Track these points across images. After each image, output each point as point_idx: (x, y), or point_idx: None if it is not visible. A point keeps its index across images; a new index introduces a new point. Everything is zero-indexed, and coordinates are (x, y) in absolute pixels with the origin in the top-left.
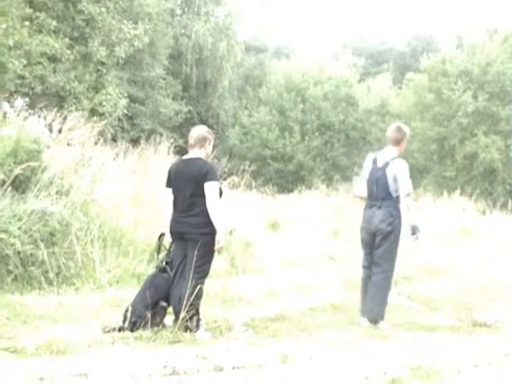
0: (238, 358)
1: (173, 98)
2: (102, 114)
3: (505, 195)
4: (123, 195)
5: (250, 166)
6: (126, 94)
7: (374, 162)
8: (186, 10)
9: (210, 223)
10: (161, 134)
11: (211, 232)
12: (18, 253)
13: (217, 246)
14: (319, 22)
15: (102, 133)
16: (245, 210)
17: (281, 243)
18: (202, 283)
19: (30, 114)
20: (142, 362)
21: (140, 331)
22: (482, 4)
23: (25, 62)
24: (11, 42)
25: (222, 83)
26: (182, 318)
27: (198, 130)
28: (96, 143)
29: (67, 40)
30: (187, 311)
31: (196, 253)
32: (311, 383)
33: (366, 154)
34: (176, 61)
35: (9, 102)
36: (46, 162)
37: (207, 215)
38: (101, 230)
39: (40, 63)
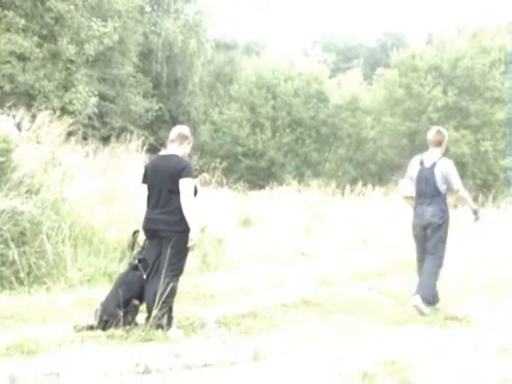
0: (210, 356)
1: (143, 96)
2: (71, 113)
3: (475, 189)
4: (94, 194)
5: (221, 163)
6: (96, 92)
7: (421, 163)
8: (155, 7)
9: (184, 220)
10: (131, 132)
11: (185, 229)
12: None
13: (190, 243)
14: (289, 18)
15: (72, 131)
16: (216, 207)
17: (253, 240)
18: (176, 281)
19: None
20: (115, 360)
21: (112, 330)
22: (451, 0)
23: None
24: None
25: (192, 80)
26: (155, 316)
27: (181, 128)
28: (66, 141)
29: (36, 38)
30: (160, 309)
31: (170, 250)
32: (284, 380)
33: (337, 150)
34: (146, 58)
35: None
36: (15, 160)
37: (182, 212)
38: (72, 228)
39: (8, 62)
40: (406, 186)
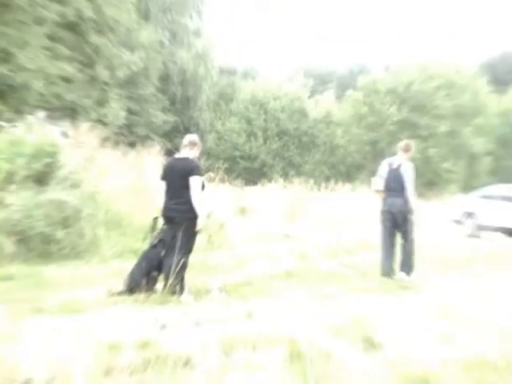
0: (213, 315)
1: (162, 111)
2: (106, 124)
3: (423, 186)
4: (123, 187)
5: (223, 164)
6: (125, 108)
7: (390, 165)
8: (172, 41)
9: (193, 210)
10: (152, 139)
11: (194, 217)
12: (40, 233)
13: (198, 228)
14: (277, 52)
15: (106, 138)
16: (219, 199)
17: (247, 224)
18: (187, 257)
19: (49, 124)
20: (138, 318)
21: (136, 295)
22: (405, 38)
23: (44, 82)
24: (34, 67)
25: (201, 99)
26: (170, 285)
27: (192, 136)
28: (101, 146)
29: (78, 65)
30: (174, 279)
31: (182, 233)
32: (271, 332)
33: (315, 154)
34: (164, 81)
35: (32, 114)
36: (61, 161)
37: (191, 203)
38: (105, 214)
39: (56, 84)
40: (377, 182)
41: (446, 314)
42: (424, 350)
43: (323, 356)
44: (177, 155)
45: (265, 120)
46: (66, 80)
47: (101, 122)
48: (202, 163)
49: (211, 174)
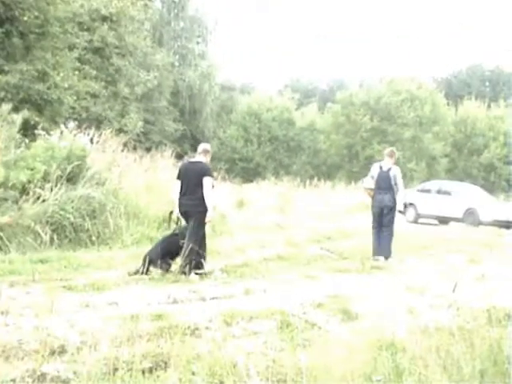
0: (216, 292)
1: (173, 121)
2: (126, 132)
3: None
4: (140, 185)
5: (224, 166)
6: (142, 118)
7: (380, 168)
8: (181, 62)
9: (204, 204)
10: (165, 145)
11: (204, 210)
12: (72, 224)
13: (207, 220)
14: (269, 70)
15: (126, 144)
16: (221, 195)
17: (245, 216)
18: (197, 244)
19: (78, 132)
20: (154, 294)
21: (153, 274)
22: (375, 56)
23: (75, 98)
24: (66, 85)
25: (205, 110)
26: (180, 265)
27: (205, 145)
28: (122, 151)
29: (103, 83)
30: (183, 261)
31: (193, 223)
32: (264, 306)
33: (301, 157)
34: (175, 96)
35: (64, 124)
36: (88, 163)
37: (203, 199)
38: (126, 208)
39: (85, 98)
40: (368, 181)
41: (413, 290)
42: (393, 320)
43: (308, 326)
44: (191, 159)
45: (259, 128)
46: (93, 95)
47: (121, 130)
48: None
49: (214, 174)
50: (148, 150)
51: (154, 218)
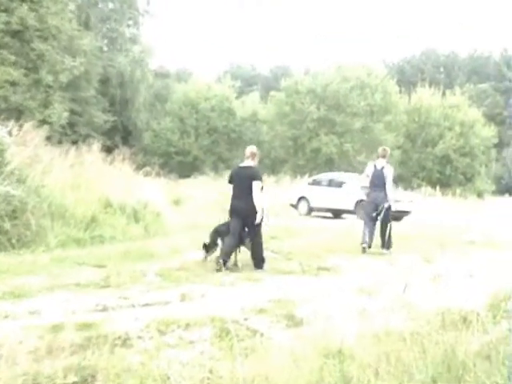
0: (150, 298)
1: (102, 111)
2: (49, 123)
3: None
4: (66, 182)
5: (158, 159)
6: (67, 109)
7: (375, 166)
8: (111, 47)
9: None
10: (93, 138)
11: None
12: None
13: (257, 221)
14: (207, 55)
15: (49, 137)
16: (155, 191)
17: (182, 214)
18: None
19: None
20: (81, 301)
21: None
22: (324, 42)
23: None
24: None
25: (138, 100)
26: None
27: (252, 148)
28: (45, 144)
29: (23, 70)
30: (255, 257)
31: (250, 225)
32: (202, 313)
33: (242, 150)
34: (104, 84)
35: None
36: (7, 158)
37: (252, 200)
38: (50, 207)
39: (3, 87)
40: (364, 180)
41: (361, 292)
42: (340, 325)
43: (250, 333)
44: (241, 164)
45: (196, 119)
46: (12, 83)
47: (45, 121)
48: (139, 159)
49: (148, 169)
50: (74, 143)
51: (81, 218)
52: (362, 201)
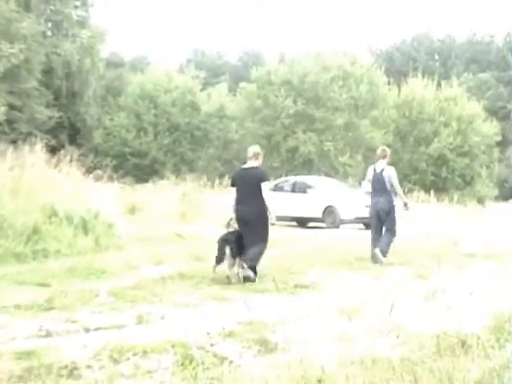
0: (101, 321)
1: (46, 106)
2: None
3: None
4: (4, 187)
5: (111, 161)
6: (4, 103)
7: (374, 170)
8: (55, 32)
9: (264, 209)
10: (36, 136)
11: (265, 214)
12: None
13: (272, 222)
14: (168, 41)
15: None
16: (107, 198)
17: (138, 224)
18: (265, 247)
19: None
20: (21, 325)
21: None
22: (300, 25)
23: None
24: None
25: (87, 93)
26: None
27: (255, 148)
28: None
29: None
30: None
31: (257, 228)
32: (162, 337)
33: (208, 150)
34: (48, 74)
35: None
36: None
37: (262, 203)
38: None
39: None
40: (366, 185)
41: (343, 313)
42: (321, 350)
43: (217, 360)
44: (244, 166)
45: (155, 115)
46: None
47: None
48: (89, 161)
49: (99, 172)
50: (13, 142)
51: (21, 229)
52: (330, 207)
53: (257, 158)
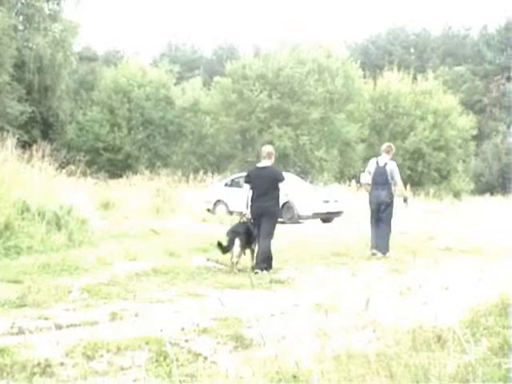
0: (74, 318)
1: (18, 101)
2: None
3: (296, 174)
4: None
5: (84, 157)
6: None
7: (377, 163)
8: (27, 25)
9: (276, 205)
10: (7, 131)
11: (276, 211)
12: None
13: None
14: (141, 35)
15: None
16: (81, 193)
17: (112, 220)
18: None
19: None
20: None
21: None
22: (275, 18)
23: None
24: None
25: (60, 87)
26: (256, 263)
27: (269, 148)
28: None
29: None
30: (261, 259)
31: (267, 223)
32: (136, 334)
33: (183, 144)
34: (20, 69)
35: None
36: None
37: (276, 200)
38: None
39: None
40: (365, 177)
41: (319, 308)
42: (296, 346)
43: (191, 357)
44: (259, 165)
45: (129, 109)
46: None
47: None
48: (62, 156)
49: (72, 167)
50: None
51: None
52: (287, 203)
53: (270, 158)
